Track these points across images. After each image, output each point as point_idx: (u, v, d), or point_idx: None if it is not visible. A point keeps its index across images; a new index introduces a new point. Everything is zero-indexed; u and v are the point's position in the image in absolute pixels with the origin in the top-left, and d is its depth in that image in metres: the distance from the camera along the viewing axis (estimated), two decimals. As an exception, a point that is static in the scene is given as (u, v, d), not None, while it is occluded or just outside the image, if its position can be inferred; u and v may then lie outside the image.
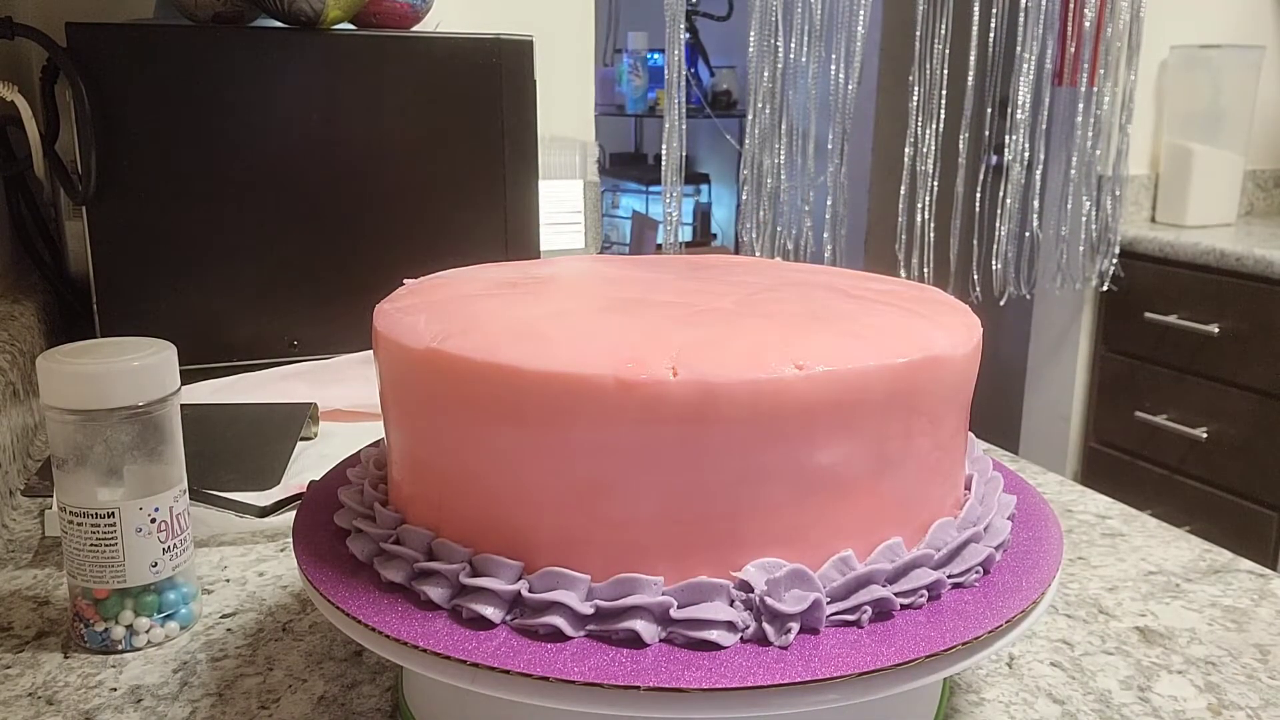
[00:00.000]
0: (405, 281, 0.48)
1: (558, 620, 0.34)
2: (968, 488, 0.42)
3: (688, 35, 2.51)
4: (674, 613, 0.34)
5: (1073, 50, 1.81)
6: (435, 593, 0.36)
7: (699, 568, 0.35)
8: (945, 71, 1.71)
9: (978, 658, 0.35)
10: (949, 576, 0.37)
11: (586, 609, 0.34)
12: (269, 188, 0.88)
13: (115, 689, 0.45)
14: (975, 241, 1.84)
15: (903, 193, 1.76)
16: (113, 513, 0.46)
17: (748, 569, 0.35)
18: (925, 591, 0.36)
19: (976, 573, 0.38)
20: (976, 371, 0.41)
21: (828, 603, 0.35)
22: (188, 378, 0.51)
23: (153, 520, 0.47)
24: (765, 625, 0.34)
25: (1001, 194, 1.83)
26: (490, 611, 0.35)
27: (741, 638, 0.34)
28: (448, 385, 0.36)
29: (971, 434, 0.45)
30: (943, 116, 1.73)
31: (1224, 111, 1.95)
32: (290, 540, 0.59)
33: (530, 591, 0.35)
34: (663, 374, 0.33)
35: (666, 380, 0.33)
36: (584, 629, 0.34)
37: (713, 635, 0.34)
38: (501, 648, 0.34)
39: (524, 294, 0.44)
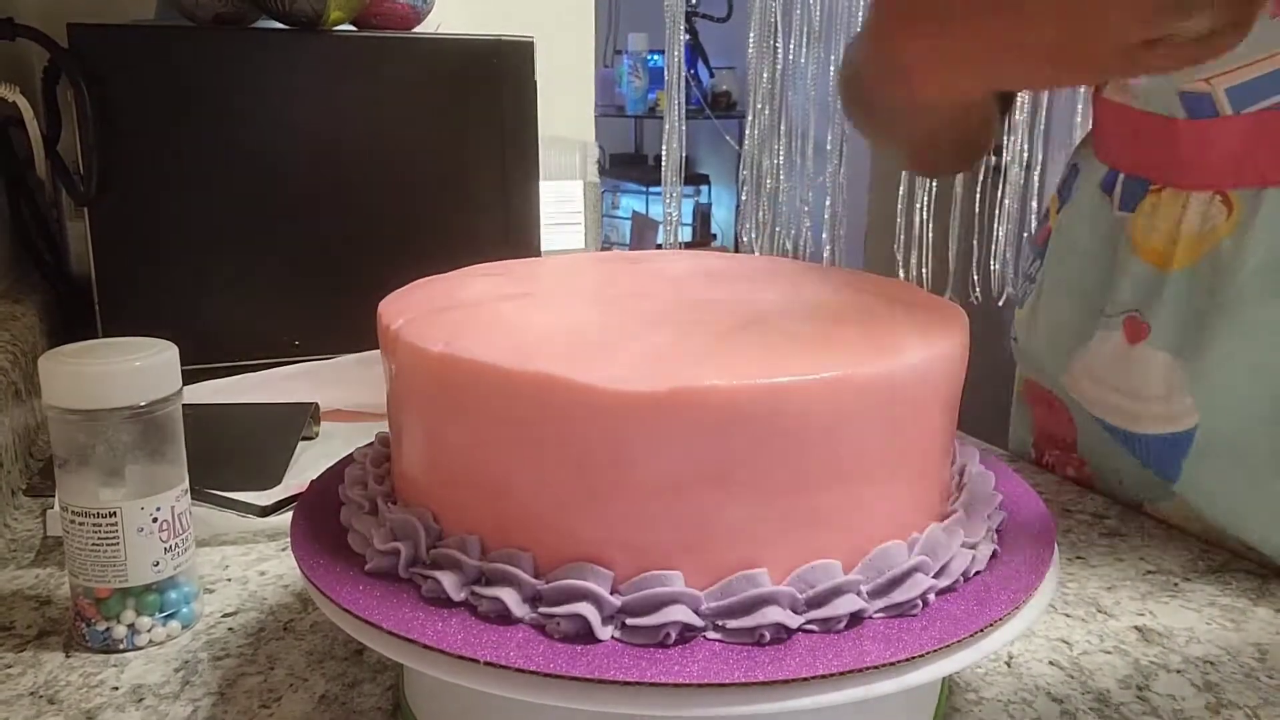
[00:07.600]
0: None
1: (561, 618, 0.34)
2: (960, 486, 0.43)
3: (687, 36, 2.51)
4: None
5: (1072, 51, 1.82)
6: (445, 582, 0.36)
7: (714, 567, 0.35)
8: (945, 72, 1.71)
9: (976, 657, 0.35)
10: (945, 575, 0.37)
11: (599, 604, 0.34)
12: (270, 188, 0.88)
13: (117, 688, 0.45)
14: (974, 242, 1.85)
15: (902, 193, 1.77)
16: (114, 512, 0.46)
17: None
18: (921, 590, 0.36)
19: (970, 571, 0.38)
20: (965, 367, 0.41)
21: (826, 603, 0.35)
22: (189, 378, 0.51)
23: (154, 520, 0.47)
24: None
25: (1000, 195, 1.84)
26: (502, 609, 0.35)
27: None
28: (463, 390, 0.36)
29: (960, 431, 0.45)
30: (942, 117, 1.73)
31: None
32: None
33: (541, 592, 0.35)
34: (654, 379, 0.34)
35: (665, 386, 0.33)
36: (589, 626, 0.34)
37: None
38: (519, 645, 0.34)
39: (534, 296, 0.44)
